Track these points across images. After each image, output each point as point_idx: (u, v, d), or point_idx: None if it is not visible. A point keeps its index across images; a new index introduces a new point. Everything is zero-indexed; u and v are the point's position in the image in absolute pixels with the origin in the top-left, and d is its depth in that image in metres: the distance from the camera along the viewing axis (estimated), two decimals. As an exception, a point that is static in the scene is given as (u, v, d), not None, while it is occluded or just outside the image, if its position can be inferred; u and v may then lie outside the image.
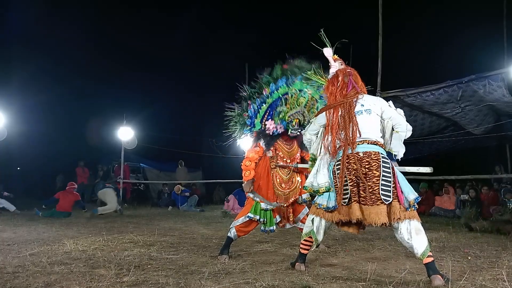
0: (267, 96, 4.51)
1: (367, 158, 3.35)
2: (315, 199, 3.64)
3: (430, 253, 3.21)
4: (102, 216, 9.49)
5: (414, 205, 3.29)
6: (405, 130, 3.53)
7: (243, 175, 4.47)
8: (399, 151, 3.55)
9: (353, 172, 3.36)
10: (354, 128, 3.44)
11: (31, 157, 19.08)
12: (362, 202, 3.30)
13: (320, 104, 4.51)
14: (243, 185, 4.52)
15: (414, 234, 3.21)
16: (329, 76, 3.84)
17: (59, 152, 18.89)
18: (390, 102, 3.64)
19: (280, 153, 4.53)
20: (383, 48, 9.60)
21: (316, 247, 3.94)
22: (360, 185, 3.32)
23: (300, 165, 4.51)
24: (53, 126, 19.34)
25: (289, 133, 4.50)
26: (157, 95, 21.88)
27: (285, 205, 4.51)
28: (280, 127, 4.48)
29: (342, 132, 3.48)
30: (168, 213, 10.93)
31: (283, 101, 4.51)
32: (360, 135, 3.43)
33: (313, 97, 4.55)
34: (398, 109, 3.60)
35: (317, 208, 3.57)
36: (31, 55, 19.46)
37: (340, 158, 3.44)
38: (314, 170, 3.68)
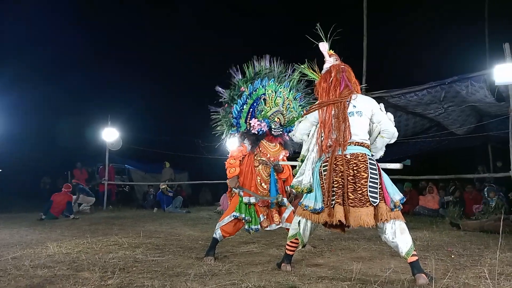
0: (247, 97, 4.64)
1: (354, 160, 3.34)
2: (301, 201, 3.60)
3: (415, 252, 3.26)
4: (86, 218, 9.40)
5: (399, 206, 3.33)
6: (391, 137, 3.57)
7: (227, 172, 4.57)
8: (377, 153, 3.62)
9: (339, 174, 3.34)
10: (347, 130, 3.41)
11: (13, 158, 18.76)
12: (351, 204, 3.27)
13: (295, 104, 4.86)
14: (228, 181, 4.58)
15: (398, 233, 3.24)
16: (322, 71, 3.80)
17: (43, 153, 18.64)
18: (382, 105, 3.62)
19: (264, 150, 4.65)
20: (367, 49, 9.69)
21: (302, 247, 3.93)
22: (348, 187, 3.30)
23: (282, 163, 4.64)
24: (35, 127, 19.09)
25: (272, 132, 4.64)
26: (142, 95, 21.74)
27: (261, 205, 4.54)
28: (264, 125, 4.61)
29: (335, 132, 3.43)
30: (153, 214, 10.85)
31: (263, 101, 4.69)
32: (350, 137, 3.42)
33: (287, 97, 4.81)
34: (389, 113, 3.61)
35: (304, 210, 3.53)
36: (14, 55, 19.18)
37: (327, 158, 3.42)
38: (301, 169, 3.65)
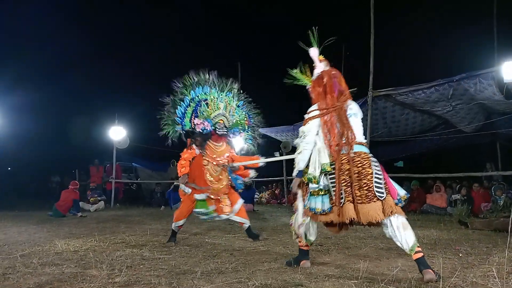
0: (190, 100, 5.42)
1: (358, 157, 3.43)
2: (306, 203, 3.59)
3: (419, 248, 3.28)
4: (93, 216, 9.47)
5: (405, 200, 3.44)
6: None
7: (178, 171, 5.37)
8: None
9: (346, 172, 3.40)
10: (351, 131, 3.52)
11: (21, 157, 18.92)
12: (358, 201, 3.31)
13: (239, 111, 5.69)
14: (179, 178, 5.36)
15: (402, 229, 3.28)
16: (313, 77, 3.88)
17: (50, 152, 18.77)
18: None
19: (210, 151, 5.41)
20: (375, 47, 9.64)
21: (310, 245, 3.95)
22: (354, 184, 3.35)
23: (239, 163, 5.50)
24: (43, 126, 19.25)
25: (217, 131, 5.39)
26: (149, 94, 21.80)
27: (213, 197, 5.35)
28: (207, 124, 5.36)
29: (340, 134, 3.51)
30: (160, 213, 10.89)
31: (205, 104, 5.45)
32: (355, 137, 3.53)
33: (230, 104, 5.60)
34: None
35: (310, 212, 3.54)
36: (21, 54, 19.30)
37: (333, 159, 3.48)
38: (312, 160, 3.59)
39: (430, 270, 3.15)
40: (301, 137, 3.71)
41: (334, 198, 3.42)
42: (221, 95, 5.55)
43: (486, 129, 11.00)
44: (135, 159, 17.33)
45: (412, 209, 10.37)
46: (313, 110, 3.69)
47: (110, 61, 21.27)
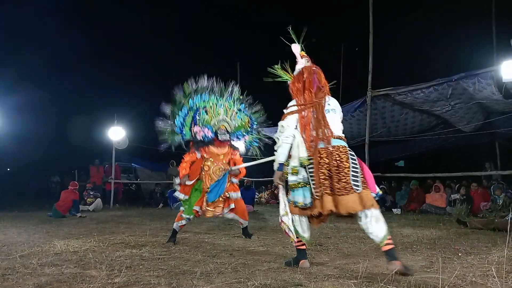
0: (188, 109, 5.45)
1: (337, 151, 3.56)
2: (289, 198, 3.72)
3: (389, 241, 3.40)
4: (93, 216, 9.48)
5: (378, 194, 3.64)
6: None
7: (180, 173, 5.51)
8: None
9: (325, 166, 3.52)
10: (327, 127, 3.62)
11: (21, 157, 18.91)
12: (338, 193, 3.44)
13: (241, 114, 5.69)
14: (180, 179, 5.46)
15: (374, 222, 3.42)
16: (295, 73, 3.96)
17: (50, 153, 18.76)
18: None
19: (211, 156, 5.49)
20: (374, 47, 9.65)
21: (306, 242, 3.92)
22: (334, 177, 3.48)
23: (239, 166, 5.56)
24: (43, 126, 19.23)
25: (219, 138, 5.48)
26: (148, 94, 21.80)
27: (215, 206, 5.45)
28: (207, 131, 5.46)
29: (316, 129, 3.62)
30: (159, 213, 10.88)
31: (204, 112, 5.51)
32: (331, 132, 3.64)
33: (230, 108, 5.62)
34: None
35: (295, 207, 3.66)
36: (20, 54, 19.29)
37: (311, 153, 3.59)
38: (293, 167, 3.69)
39: (397, 261, 3.28)
40: (280, 131, 3.79)
41: (313, 191, 3.52)
42: (220, 100, 5.59)
43: (485, 128, 11.01)
44: (134, 160, 17.32)
45: (412, 209, 10.39)
46: (292, 105, 3.79)
47: (109, 61, 21.27)
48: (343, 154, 3.54)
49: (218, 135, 5.47)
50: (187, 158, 5.55)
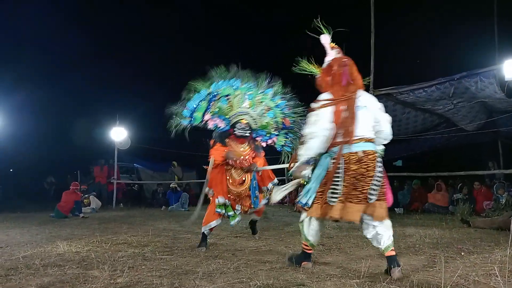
0: (208, 93, 4.78)
1: (365, 158, 3.31)
2: (298, 199, 3.58)
3: (393, 247, 3.37)
4: (95, 217, 9.50)
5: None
6: (385, 138, 3.54)
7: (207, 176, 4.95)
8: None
9: (351, 173, 3.29)
10: (354, 126, 3.34)
11: (23, 159, 18.94)
12: (348, 199, 3.29)
13: (276, 112, 5.00)
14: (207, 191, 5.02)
15: (382, 231, 3.35)
16: (324, 65, 3.68)
17: (52, 153, 18.79)
18: (382, 105, 3.59)
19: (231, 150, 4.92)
20: (375, 46, 9.62)
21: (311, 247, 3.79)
22: (356, 185, 3.29)
23: (265, 168, 5.06)
24: (45, 127, 19.26)
25: (235, 132, 4.88)
26: (150, 94, 21.82)
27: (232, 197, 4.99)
28: (220, 122, 4.85)
29: (344, 128, 3.34)
30: (162, 213, 10.90)
31: (225, 100, 4.85)
32: (358, 132, 3.35)
33: (262, 102, 4.96)
34: (387, 115, 3.57)
35: (302, 207, 3.54)
36: (21, 54, 19.34)
37: (335, 155, 3.34)
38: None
39: (399, 268, 3.25)
40: (313, 124, 3.44)
41: (323, 194, 3.36)
42: (253, 91, 4.92)
43: (488, 127, 10.98)
44: (136, 160, 17.34)
45: (414, 208, 10.38)
46: (323, 99, 3.49)
47: (111, 61, 21.30)
48: (371, 162, 3.30)
49: (236, 129, 4.89)
50: (215, 155, 4.90)
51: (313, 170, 3.51)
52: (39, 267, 3.82)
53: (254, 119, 4.96)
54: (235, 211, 4.99)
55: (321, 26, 3.72)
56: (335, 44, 3.74)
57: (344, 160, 3.31)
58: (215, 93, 4.80)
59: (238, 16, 23.19)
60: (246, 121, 4.89)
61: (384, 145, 3.61)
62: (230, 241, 5.56)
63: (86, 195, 11.74)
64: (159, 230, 6.74)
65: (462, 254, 4.26)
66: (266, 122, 5.01)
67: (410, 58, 16.83)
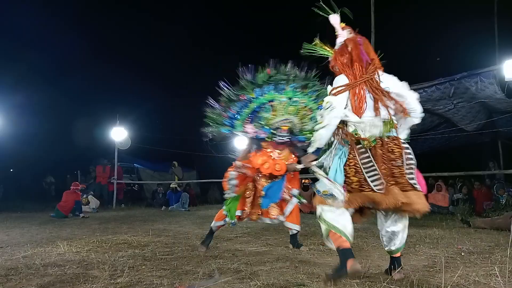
0: (249, 100, 4.41)
1: (391, 142, 3.05)
2: (318, 189, 3.12)
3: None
4: (96, 217, 9.50)
5: None
6: (418, 116, 3.30)
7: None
8: (402, 134, 3.28)
9: (378, 158, 2.99)
10: (383, 108, 3.09)
11: (24, 159, 18.95)
12: (403, 189, 2.96)
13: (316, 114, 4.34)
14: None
15: (401, 230, 3.24)
16: (336, 47, 3.40)
17: (53, 153, 18.79)
18: (405, 83, 3.33)
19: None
20: (375, 46, 9.63)
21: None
22: (392, 169, 3.00)
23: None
24: (45, 127, 19.26)
25: (274, 139, 4.50)
26: (150, 95, 21.84)
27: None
28: (262, 133, 4.50)
29: (368, 111, 3.08)
30: (162, 213, 10.90)
31: (268, 107, 4.43)
32: (383, 115, 3.09)
33: (306, 106, 4.46)
34: (412, 92, 3.33)
35: (321, 197, 3.08)
36: (22, 55, 19.35)
37: (363, 142, 3.05)
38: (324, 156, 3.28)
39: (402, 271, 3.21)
40: (327, 108, 3.12)
41: (353, 181, 3.01)
42: (298, 95, 4.39)
43: (488, 127, 10.98)
44: (136, 160, 17.35)
45: (414, 208, 10.36)
46: (340, 82, 3.19)
47: (111, 62, 21.31)
48: (396, 147, 3.04)
49: (277, 136, 4.51)
50: (260, 161, 4.44)
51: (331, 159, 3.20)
52: (39, 267, 3.82)
53: (295, 125, 4.57)
54: (237, 212, 4.59)
55: (333, 4, 3.47)
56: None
57: (369, 145, 3.04)
58: (260, 101, 4.41)
59: (238, 16, 23.22)
60: (287, 128, 4.52)
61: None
62: (230, 241, 5.56)
63: (85, 195, 11.74)
64: (159, 230, 6.74)
65: (462, 254, 4.26)
66: (308, 129, 4.54)
67: (409, 58, 16.84)
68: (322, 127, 3.12)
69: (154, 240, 5.56)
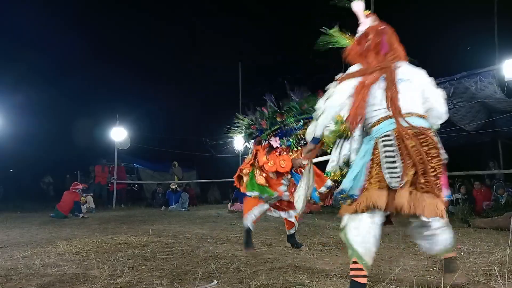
0: (283, 122, 4.52)
1: (422, 134, 2.65)
2: (336, 192, 2.77)
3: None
4: (95, 217, 9.50)
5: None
6: (438, 119, 3.00)
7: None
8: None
9: (407, 152, 2.57)
10: (398, 99, 2.70)
11: (24, 159, 18.96)
12: (422, 190, 2.56)
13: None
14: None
15: (441, 231, 2.91)
16: (357, 35, 3.10)
17: (52, 153, 18.80)
18: (432, 79, 3.04)
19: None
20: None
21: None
22: (419, 166, 2.56)
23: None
24: (45, 127, 19.26)
25: (295, 148, 4.62)
26: (149, 95, 21.84)
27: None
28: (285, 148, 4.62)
29: (385, 102, 2.71)
30: (162, 213, 10.91)
31: (301, 125, 4.49)
32: (404, 106, 2.70)
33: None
34: (440, 90, 3.04)
35: (343, 203, 2.72)
36: (22, 55, 19.34)
37: (386, 133, 2.65)
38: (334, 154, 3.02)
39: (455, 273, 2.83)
40: (327, 98, 2.94)
41: (390, 179, 2.54)
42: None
43: (488, 127, 10.99)
44: (136, 160, 17.36)
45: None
46: (353, 69, 2.93)
47: (110, 61, 21.28)
48: (430, 139, 2.66)
49: (296, 144, 4.63)
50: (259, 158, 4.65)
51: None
52: (39, 267, 3.83)
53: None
54: (275, 192, 4.60)
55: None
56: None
57: (395, 136, 2.62)
58: (294, 126, 4.50)
59: (239, 16, 23.19)
60: (302, 133, 4.50)
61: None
62: (229, 241, 5.56)
63: (84, 195, 11.73)
64: (159, 230, 6.74)
65: (462, 254, 4.26)
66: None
67: (409, 56, 16.83)
68: (321, 114, 2.93)
69: (154, 240, 5.56)
